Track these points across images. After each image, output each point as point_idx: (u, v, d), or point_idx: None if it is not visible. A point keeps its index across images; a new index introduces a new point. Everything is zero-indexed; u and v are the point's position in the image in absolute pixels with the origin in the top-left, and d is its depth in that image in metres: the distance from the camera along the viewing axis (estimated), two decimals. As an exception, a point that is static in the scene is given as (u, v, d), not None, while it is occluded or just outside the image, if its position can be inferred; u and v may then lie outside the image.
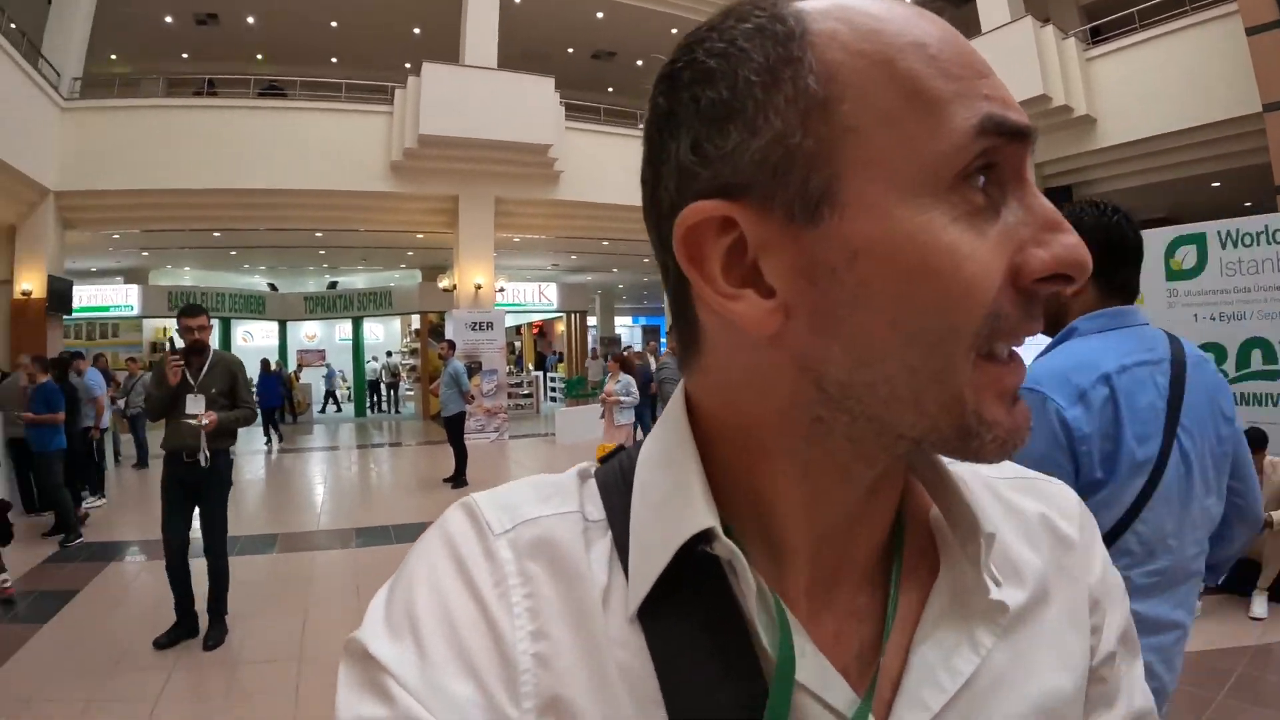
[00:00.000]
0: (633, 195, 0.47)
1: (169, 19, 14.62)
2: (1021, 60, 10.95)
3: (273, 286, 20.18)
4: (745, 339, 0.40)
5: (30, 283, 11.39)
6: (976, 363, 0.37)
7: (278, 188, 12.31)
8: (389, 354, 19.94)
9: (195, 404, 4.10)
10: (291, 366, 18.80)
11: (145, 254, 16.16)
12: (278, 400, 14.67)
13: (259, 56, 16.35)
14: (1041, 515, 0.52)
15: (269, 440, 13.37)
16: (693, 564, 0.41)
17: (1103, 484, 1.30)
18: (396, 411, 19.62)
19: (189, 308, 4.28)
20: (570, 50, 16.51)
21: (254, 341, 19.68)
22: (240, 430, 4.54)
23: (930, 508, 0.49)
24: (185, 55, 15.90)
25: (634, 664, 0.40)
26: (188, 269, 18.38)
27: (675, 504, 0.42)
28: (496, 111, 12.23)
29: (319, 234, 14.46)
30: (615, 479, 0.46)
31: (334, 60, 16.34)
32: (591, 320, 23.73)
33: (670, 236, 0.39)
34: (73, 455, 7.02)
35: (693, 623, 0.41)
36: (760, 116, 0.37)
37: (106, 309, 16.97)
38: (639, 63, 16.52)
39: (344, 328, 20.84)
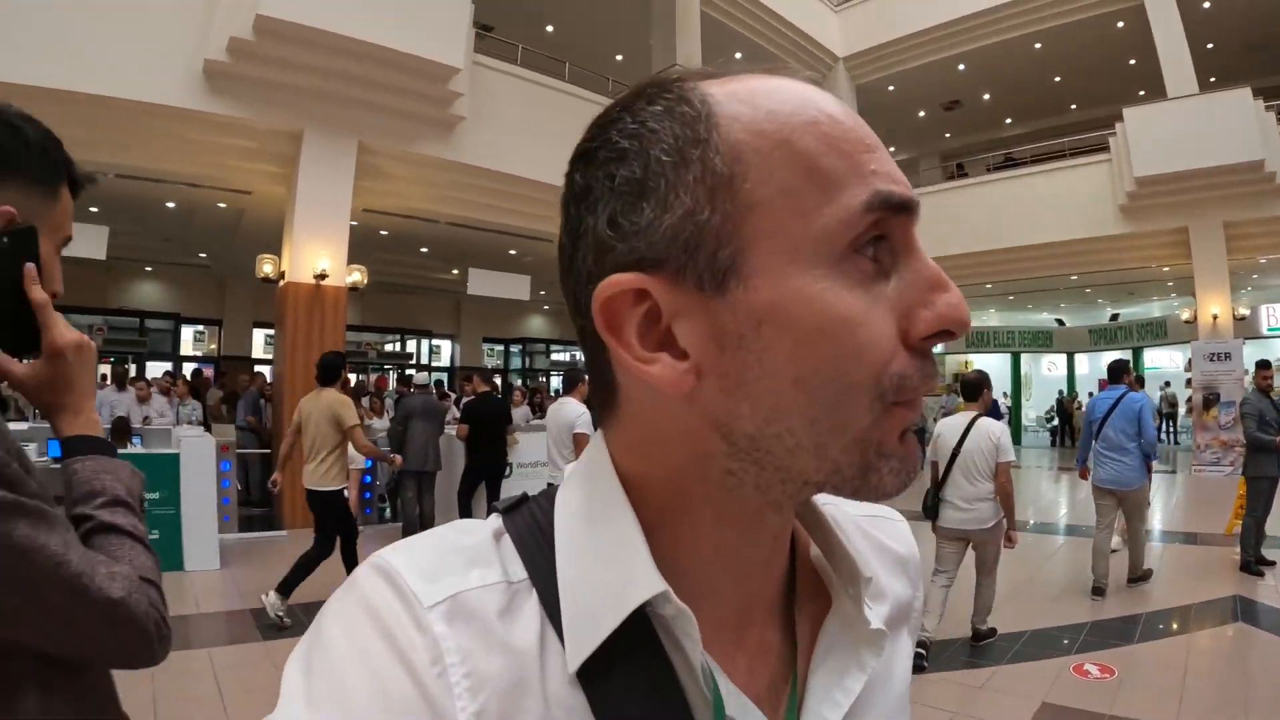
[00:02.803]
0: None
1: (921, 113, 18.75)
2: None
3: (1060, 321, 22.19)
4: (661, 398, 0.43)
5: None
6: (885, 409, 0.41)
7: (1011, 245, 14.45)
8: (1166, 384, 19.64)
9: None
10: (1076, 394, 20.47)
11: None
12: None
13: (1008, 120, 19.01)
14: (894, 550, 0.61)
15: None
16: (628, 621, 0.42)
17: None
18: (1175, 442, 19.25)
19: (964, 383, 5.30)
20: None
21: (1059, 371, 22.21)
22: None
23: (810, 545, 0.55)
24: (948, 135, 19.96)
25: None
26: (992, 310, 21.98)
27: (617, 565, 0.44)
28: (1203, 138, 11.84)
29: (1074, 277, 16.02)
30: (533, 536, 0.47)
31: (1073, 106, 17.81)
32: None
33: (589, 304, 0.43)
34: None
35: (632, 678, 0.43)
36: (671, 194, 0.41)
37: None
38: None
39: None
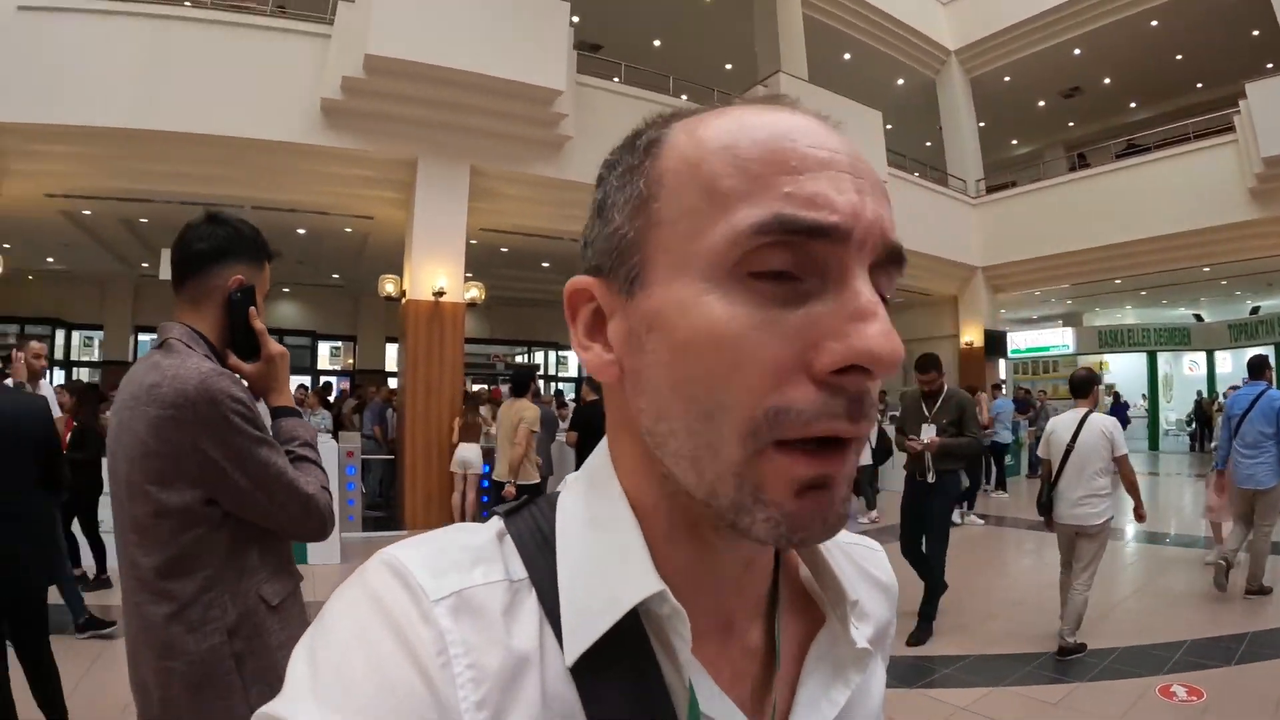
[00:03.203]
0: None
1: (1041, 103, 18.17)
2: None
3: (1198, 317, 20.82)
4: (612, 390, 0.50)
5: (971, 335, 16.26)
6: (767, 450, 0.41)
7: (1138, 238, 13.78)
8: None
9: (927, 431, 5.25)
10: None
11: (1069, 302, 19.54)
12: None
13: (1132, 105, 18.21)
14: (877, 577, 0.64)
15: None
16: (622, 622, 0.45)
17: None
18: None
19: (922, 362, 5.38)
20: None
21: (1199, 371, 20.90)
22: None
23: (800, 565, 0.58)
24: (1071, 124, 19.27)
25: (571, 715, 0.44)
26: (1128, 307, 20.88)
27: (616, 565, 0.46)
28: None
29: (1207, 269, 15.10)
30: (534, 538, 0.49)
31: (1198, 85, 16.80)
32: None
33: None
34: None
35: (621, 675, 0.45)
36: (612, 212, 0.48)
37: (1046, 349, 20.87)
38: None
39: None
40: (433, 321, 9.55)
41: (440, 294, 9.45)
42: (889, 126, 14.54)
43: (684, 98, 11.84)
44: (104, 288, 16.34)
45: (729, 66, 15.72)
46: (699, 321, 0.42)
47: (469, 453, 8.66)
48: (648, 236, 0.45)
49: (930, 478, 5.25)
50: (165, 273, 9.33)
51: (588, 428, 7.76)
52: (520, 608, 0.46)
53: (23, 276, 15.30)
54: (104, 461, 3.48)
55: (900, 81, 16.85)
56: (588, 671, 0.45)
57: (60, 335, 16.30)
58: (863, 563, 0.64)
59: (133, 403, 1.41)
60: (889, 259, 0.45)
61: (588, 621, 0.45)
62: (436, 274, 9.48)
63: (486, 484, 8.89)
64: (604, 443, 0.54)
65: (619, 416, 0.50)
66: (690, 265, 0.43)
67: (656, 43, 15.18)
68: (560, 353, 20.62)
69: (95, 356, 16.58)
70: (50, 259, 14.36)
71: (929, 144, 17.72)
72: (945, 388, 5.39)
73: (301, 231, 12.00)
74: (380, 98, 8.78)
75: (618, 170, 0.49)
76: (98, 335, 16.83)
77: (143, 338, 16.60)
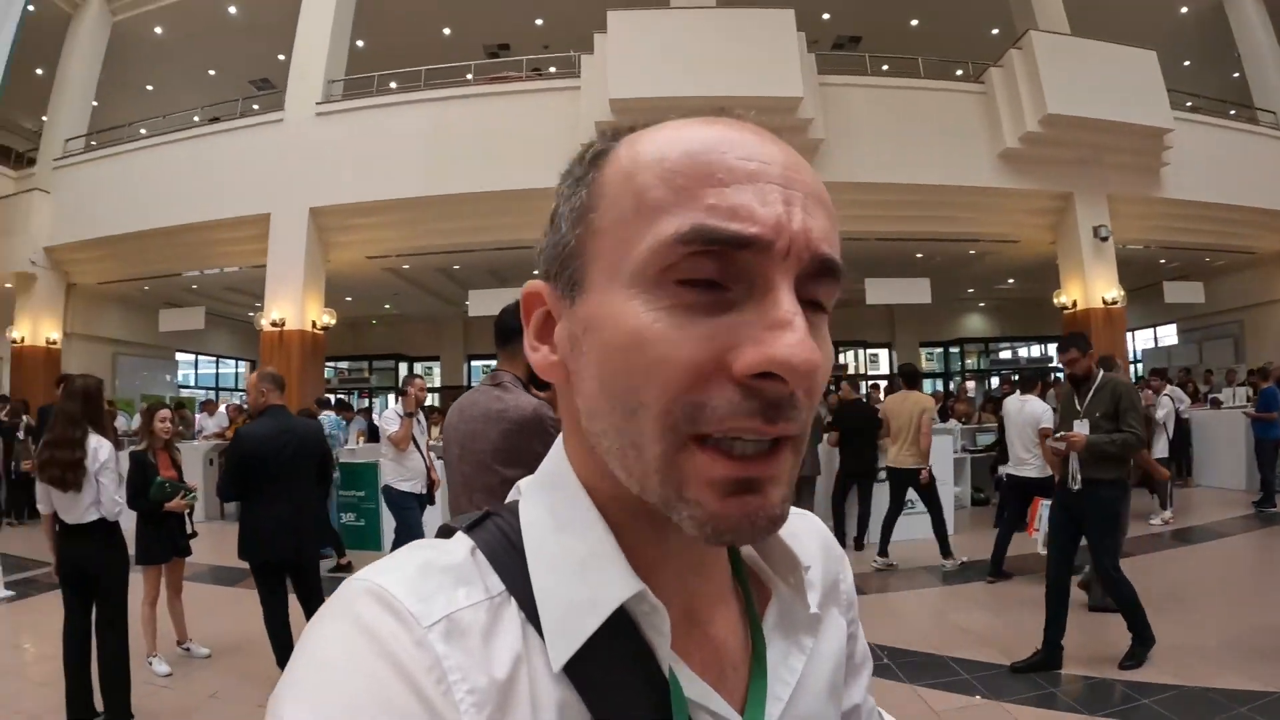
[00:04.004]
0: None
1: None
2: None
3: None
4: (562, 391, 0.52)
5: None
6: (687, 445, 0.43)
7: None
8: None
9: (1079, 427, 4.28)
10: None
11: None
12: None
13: None
14: (813, 539, 0.66)
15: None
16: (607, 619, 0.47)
17: None
18: None
19: (1062, 340, 4.54)
20: None
21: None
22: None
23: (745, 549, 0.60)
24: None
25: (569, 714, 0.45)
26: None
27: (591, 568, 0.48)
28: None
29: None
30: (503, 548, 0.50)
31: None
32: None
33: None
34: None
35: (612, 667, 0.46)
36: (561, 220, 0.50)
37: None
38: None
39: None
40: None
41: None
42: (1186, 63, 12.93)
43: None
44: (438, 324, 19.28)
45: (995, 31, 14.67)
46: (624, 324, 0.44)
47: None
48: (586, 245, 0.48)
49: (1075, 484, 4.28)
50: (474, 310, 11.21)
51: (847, 426, 7.67)
52: (502, 622, 0.47)
53: (367, 321, 19.05)
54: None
55: (1184, 10, 14.64)
56: (580, 668, 0.46)
57: (403, 367, 19.81)
58: (797, 533, 0.62)
59: (484, 418, 2.40)
60: (820, 270, 0.45)
61: (570, 626, 0.46)
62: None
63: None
64: (558, 444, 0.55)
65: (568, 414, 0.52)
66: (620, 272, 0.45)
67: (914, 22, 14.56)
68: (871, 350, 20.15)
69: (436, 383, 19.42)
70: (387, 305, 17.11)
71: (1235, 75, 15.22)
72: (1098, 373, 4.43)
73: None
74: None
75: (568, 181, 0.51)
76: (435, 365, 20.03)
77: (475, 364, 19.70)
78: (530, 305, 0.53)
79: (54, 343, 13.30)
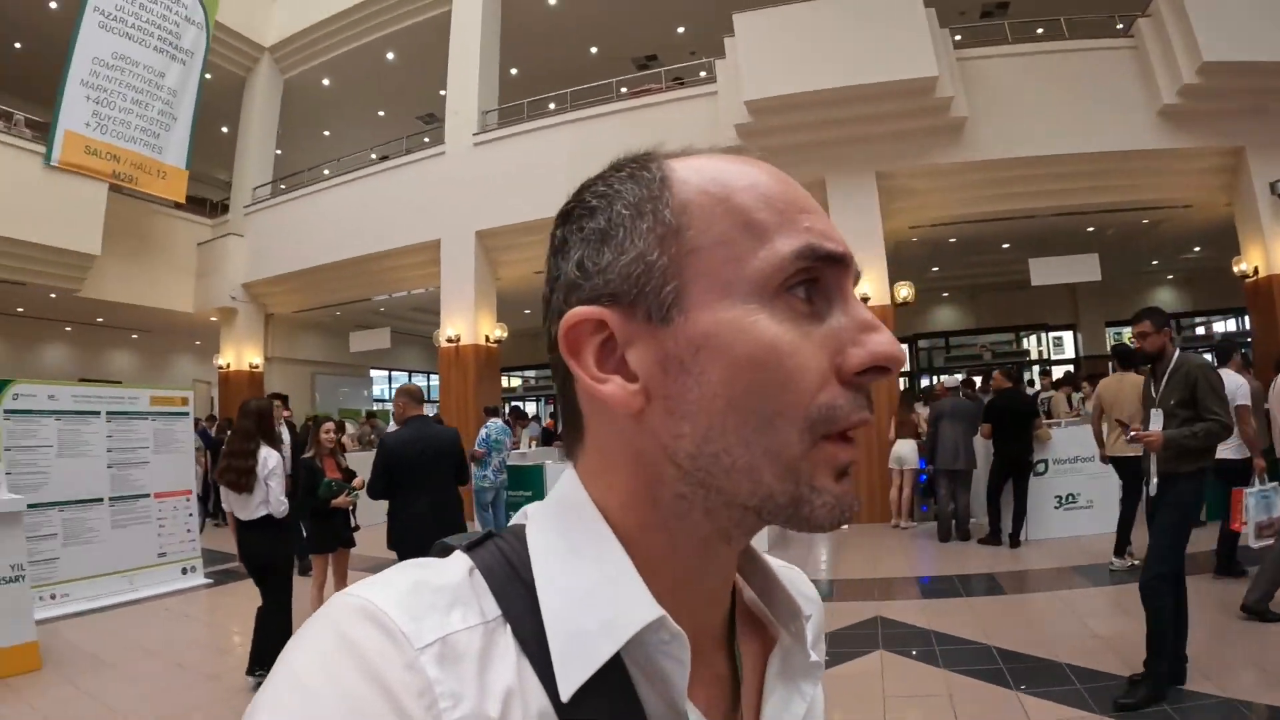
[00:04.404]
0: None
1: None
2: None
3: None
4: (617, 422, 0.49)
5: None
6: (817, 443, 0.46)
7: None
8: None
9: (1155, 419, 3.90)
10: None
11: None
12: None
13: None
14: (809, 594, 0.65)
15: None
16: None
17: None
18: None
19: (1136, 314, 4.11)
20: None
21: None
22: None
23: (745, 589, 0.61)
24: None
25: None
26: None
27: (608, 593, 0.46)
28: None
29: None
30: (504, 571, 0.48)
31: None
32: None
33: (558, 337, 0.49)
34: None
35: (613, 707, 0.45)
36: (628, 240, 0.48)
37: None
38: None
39: None
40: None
41: (865, 299, 9.52)
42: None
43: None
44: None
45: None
46: (758, 338, 0.45)
47: (905, 449, 8.88)
48: (684, 262, 0.47)
49: (1151, 489, 3.86)
50: None
51: (1002, 417, 7.56)
52: (497, 649, 0.45)
53: (545, 332, 20.40)
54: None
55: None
56: (584, 707, 0.44)
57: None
58: (795, 581, 0.64)
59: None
60: (856, 284, 0.51)
61: (583, 652, 0.44)
62: (861, 282, 9.87)
63: (924, 479, 9.12)
64: (570, 475, 0.53)
65: (621, 445, 0.50)
66: (735, 289, 0.46)
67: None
68: (1053, 334, 18.55)
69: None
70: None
71: None
72: (1174, 352, 3.96)
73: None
74: (772, 134, 9.65)
75: (621, 199, 0.50)
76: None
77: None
78: (581, 334, 0.49)
79: (256, 366, 14.97)
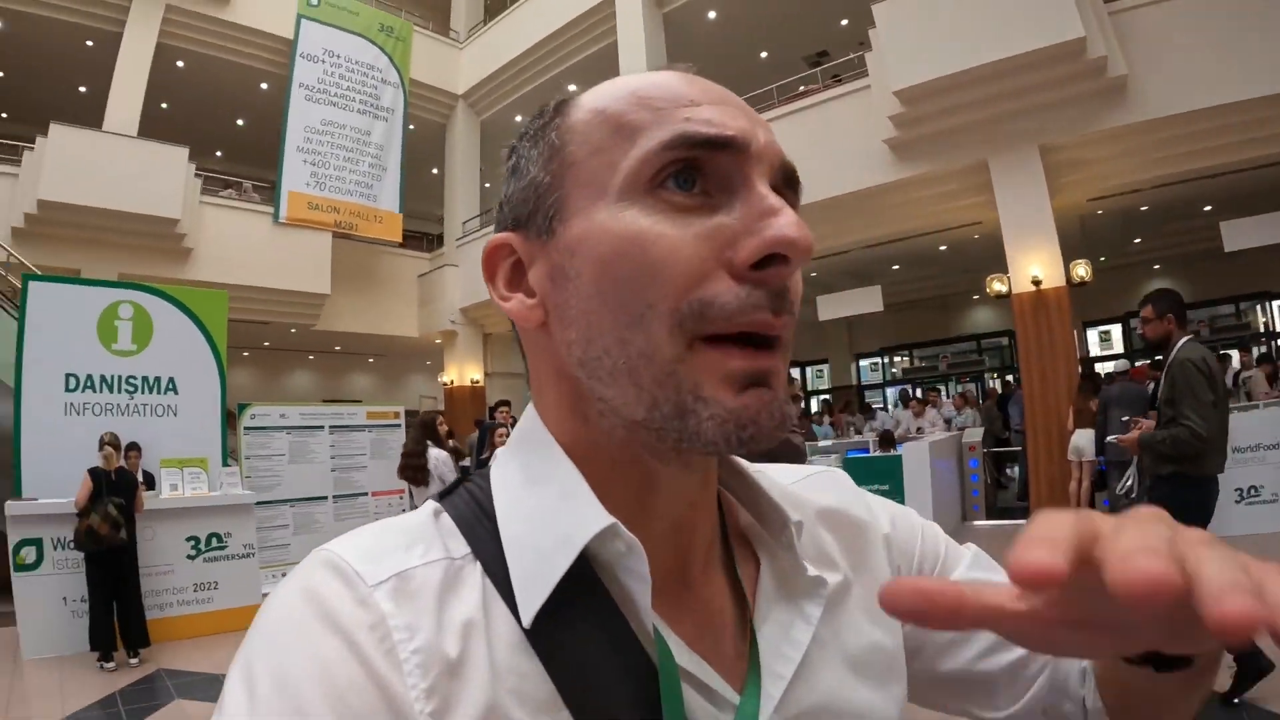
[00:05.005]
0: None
1: None
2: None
3: None
4: (537, 341, 0.51)
5: None
6: (695, 345, 0.44)
7: None
8: None
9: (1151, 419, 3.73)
10: None
11: None
12: None
13: None
14: (833, 505, 0.61)
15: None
16: (574, 573, 0.44)
17: None
18: None
19: (1145, 297, 3.86)
20: None
21: None
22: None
23: (741, 512, 0.58)
24: None
25: (529, 685, 0.43)
26: None
27: (563, 512, 0.46)
28: None
29: None
30: (471, 510, 0.49)
31: None
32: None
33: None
34: None
35: (584, 625, 0.44)
36: (526, 168, 0.51)
37: None
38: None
39: None
40: (1038, 310, 9.58)
41: (1037, 282, 9.38)
42: None
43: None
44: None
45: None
46: (621, 230, 0.45)
47: (1082, 439, 8.49)
48: (563, 176, 0.49)
49: (1123, 487, 3.69)
50: (824, 314, 12.01)
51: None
52: (462, 584, 0.45)
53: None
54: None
55: None
56: (545, 633, 0.44)
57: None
58: (817, 494, 0.62)
59: None
60: (787, 179, 0.49)
61: (542, 571, 0.44)
62: (1031, 263, 9.47)
63: (1104, 468, 8.66)
64: (529, 406, 0.54)
65: (544, 364, 0.51)
66: (606, 190, 0.46)
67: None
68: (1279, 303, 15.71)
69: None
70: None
71: None
72: (1179, 341, 3.56)
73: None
74: (925, 121, 9.52)
75: (528, 135, 0.53)
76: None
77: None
78: (495, 258, 0.52)
79: (477, 381, 16.52)
